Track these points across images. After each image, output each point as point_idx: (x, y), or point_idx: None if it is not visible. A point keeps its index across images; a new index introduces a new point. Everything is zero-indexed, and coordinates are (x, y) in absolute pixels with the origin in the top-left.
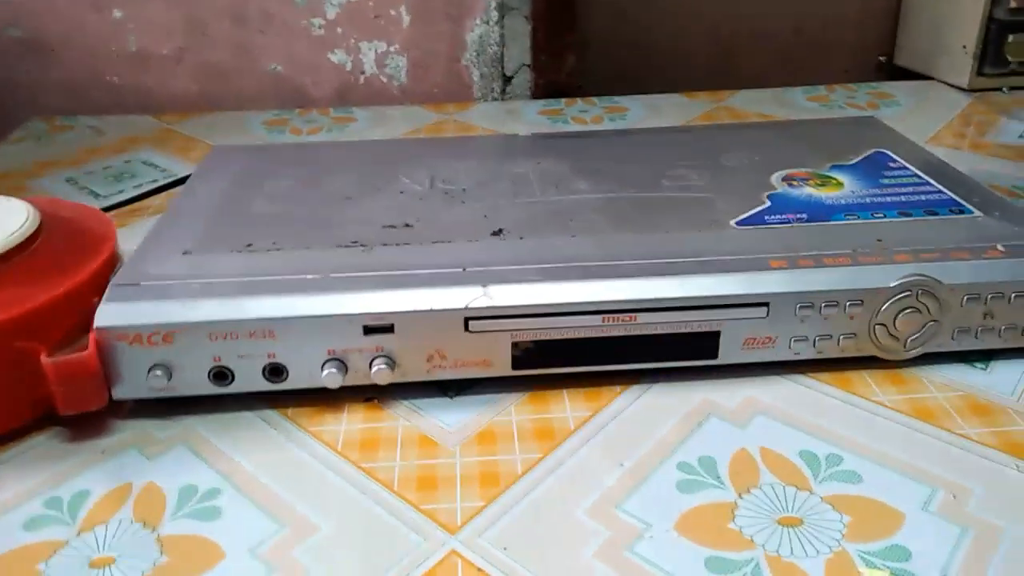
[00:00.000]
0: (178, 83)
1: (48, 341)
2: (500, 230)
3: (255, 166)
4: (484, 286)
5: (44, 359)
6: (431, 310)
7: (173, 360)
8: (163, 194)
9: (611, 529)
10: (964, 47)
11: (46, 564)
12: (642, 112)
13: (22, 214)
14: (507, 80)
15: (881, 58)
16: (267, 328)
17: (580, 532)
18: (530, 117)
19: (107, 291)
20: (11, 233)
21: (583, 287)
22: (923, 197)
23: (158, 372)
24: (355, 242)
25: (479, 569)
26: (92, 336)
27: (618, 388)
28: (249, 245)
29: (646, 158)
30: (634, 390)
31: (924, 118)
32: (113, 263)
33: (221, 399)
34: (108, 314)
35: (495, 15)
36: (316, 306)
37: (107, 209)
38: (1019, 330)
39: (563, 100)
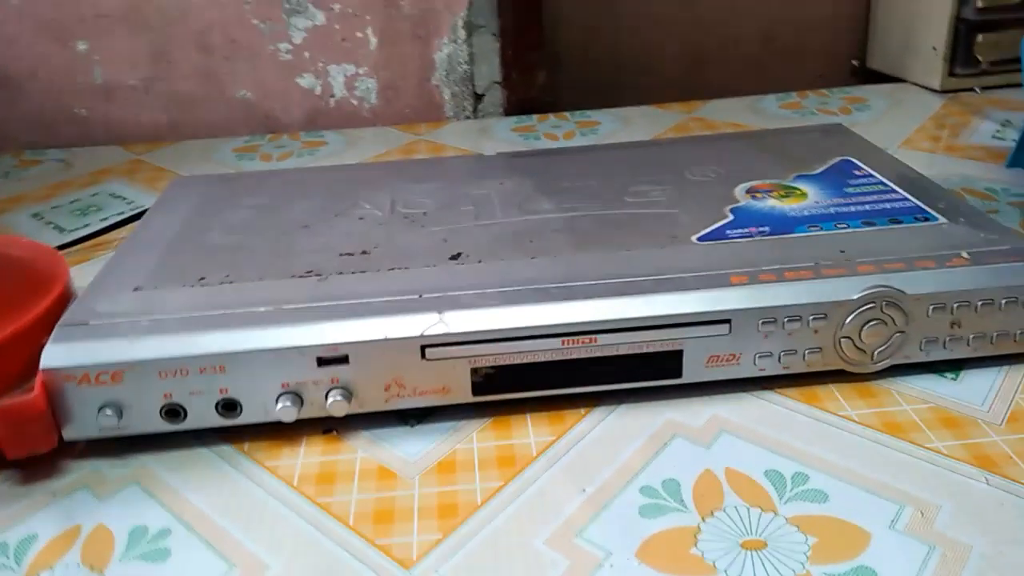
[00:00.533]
0: (147, 113)
1: None
2: (459, 254)
3: (215, 196)
4: (440, 312)
5: None
6: (386, 339)
7: (123, 399)
8: (128, 227)
9: (571, 559)
10: (934, 48)
11: None
12: (614, 125)
13: None
14: (478, 98)
15: (854, 62)
16: (218, 363)
17: (539, 563)
18: (502, 134)
19: (54, 331)
20: None
21: (542, 310)
22: (888, 205)
23: (108, 411)
24: (310, 272)
25: None
26: (39, 378)
27: (582, 411)
28: (202, 279)
29: (611, 174)
30: (598, 412)
31: (897, 121)
32: (65, 302)
33: (176, 436)
34: (55, 355)
35: (463, 34)
36: (268, 339)
37: (70, 244)
38: (988, 338)
39: (535, 116)
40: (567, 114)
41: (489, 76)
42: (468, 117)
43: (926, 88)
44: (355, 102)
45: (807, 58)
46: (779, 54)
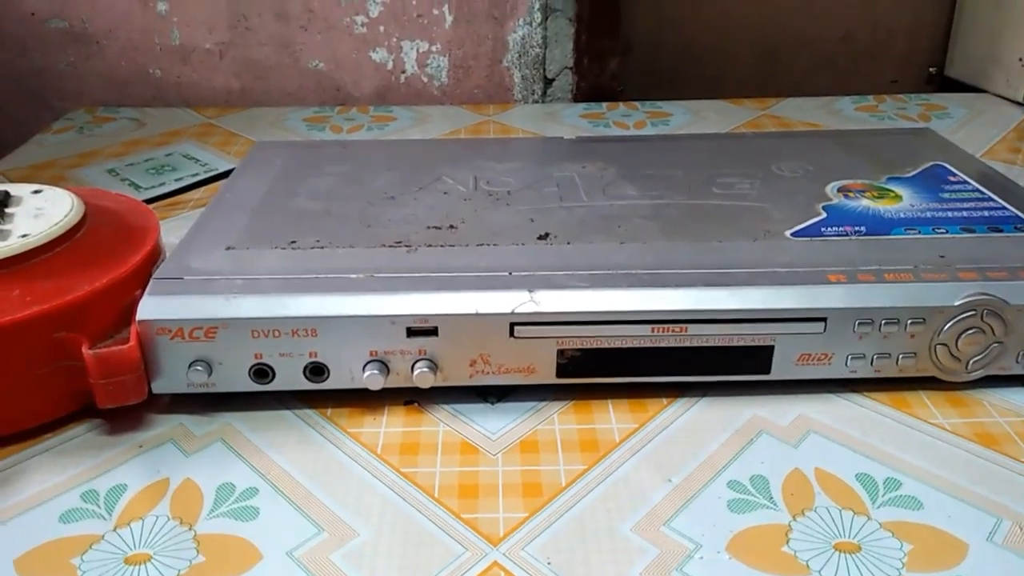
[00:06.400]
0: (219, 78)
1: (89, 332)
2: (546, 234)
3: (297, 162)
4: (531, 291)
5: (85, 351)
6: (476, 314)
7: (214, 356)
8: (203, 188)
9: (659, 547)
10: (1021, 60)
11: (81, 559)
12: (686, 118)
13: (66, 204)
14: (548, 82)
15: (931, 70)
16: (310, 327)
17: (627, 549)
18: (571, 120)
19: (149, 284)
20: (55, 223)
21: (633, 295)
22: (986, 213)
23: (199, 367)
24: (399, 242)
25: None
26: (134, 329)
27: (664, 401)
28: (293, 242)
29: (694, 164)
30: (681, 403)
31: (977, 132)
32: (155, 256)
33: (259, 397)
34: (150, 307)
35: (538, 16)
36: (360, 306)
37: (148, 202)
38: None
39: (605, 104)
40: (637, 104)
41: (561, 61)
42: (536, 101)
43: (1008, 100)
44: (425, 79)
45: (882, 62)
46: (854, 56)
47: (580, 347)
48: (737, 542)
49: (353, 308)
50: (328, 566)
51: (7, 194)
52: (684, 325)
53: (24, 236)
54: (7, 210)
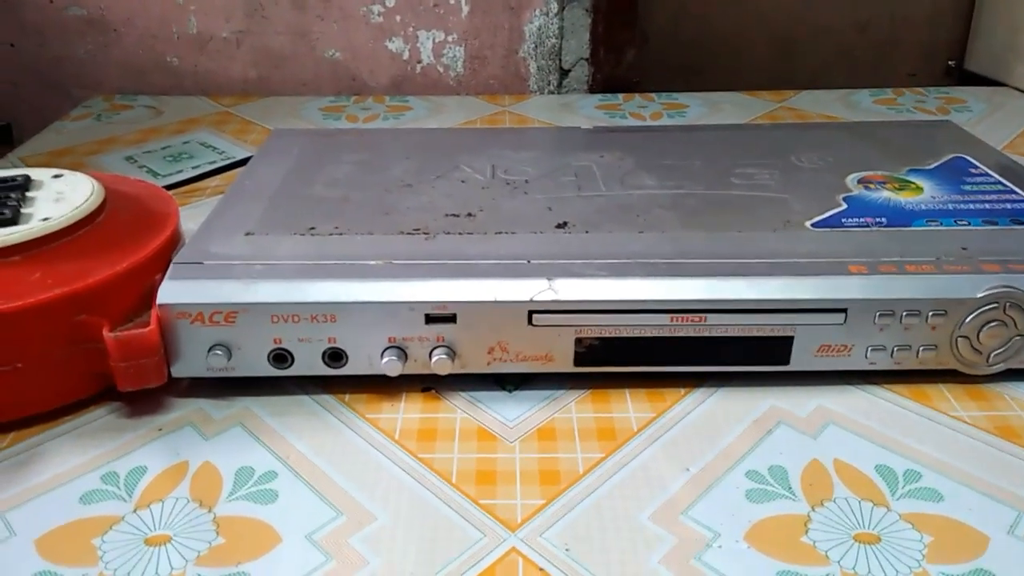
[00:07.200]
0: (236, 67)
1: (110, 316)
2: (565, 223)
3: (315, 150)
4: (549, 279)
5: (106, 334)
6: (495, 301)
7: (234, 340)
8: (221, 176)
9: (677, 536)
10: None
11: (101, 539)
12: (702, 109)
13: (87, 188)
14: (564, 73)
15: (950, 63)
16: (328, 312)
17: (644, 537)
18: (587, 111)
19: (170, 268)
20: (76, 207)
21: (651, 285)
22: (1009, 205)
23: (218, 352)
24: (417, 229)
25: (540, 569)
26: (154, 312)
27: (682, 390)
28: (311, 228)
29: (713, 155)
30: (699, 393)
31: (998, 125)
32: (175, 241)
33: (278, 382)
34: (171, 291)
35: (555, 7)
36: (378, 292)
37: (166, 188)
38: None
39: (621, 95)
40: (653, 95)
41: (577, 52)
42: (552, 92)
43: None
44: (441, 70)
45: (900, 54)
46: (871, 48)
47: (598, 336)
48: (756, 532)
49: (372, 294)
50: (346, 549)
51: (28, 178)
52: (703, 315)
53: (45, 219)
54: (28, 194)
